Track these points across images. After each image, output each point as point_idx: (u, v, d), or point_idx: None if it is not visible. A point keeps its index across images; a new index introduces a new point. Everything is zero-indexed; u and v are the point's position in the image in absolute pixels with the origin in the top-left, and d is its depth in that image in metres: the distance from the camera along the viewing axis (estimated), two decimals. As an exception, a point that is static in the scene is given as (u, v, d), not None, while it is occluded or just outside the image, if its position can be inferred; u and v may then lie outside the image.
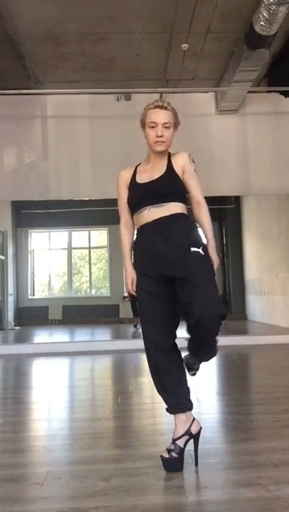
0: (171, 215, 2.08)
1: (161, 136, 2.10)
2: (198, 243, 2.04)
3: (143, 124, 2.18)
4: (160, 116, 2.11)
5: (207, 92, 7.20)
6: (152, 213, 2.10)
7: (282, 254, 8.98)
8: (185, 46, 6.02)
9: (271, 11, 4.79)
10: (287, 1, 4.65)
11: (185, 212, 2.13)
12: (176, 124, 2.17)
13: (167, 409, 2.12)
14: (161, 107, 2.12)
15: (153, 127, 2.12)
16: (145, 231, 2.12)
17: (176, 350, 2.13)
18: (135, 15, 5.43)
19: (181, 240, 2.03)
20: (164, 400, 2.13)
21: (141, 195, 2.13)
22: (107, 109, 7.08)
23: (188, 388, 2.13)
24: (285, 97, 7.20)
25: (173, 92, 7.12)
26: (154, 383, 2.14)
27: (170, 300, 2.06)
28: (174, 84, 6.98)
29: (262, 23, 5.00)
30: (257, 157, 7.18)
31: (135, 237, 2.21)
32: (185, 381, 2.13)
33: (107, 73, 6.70)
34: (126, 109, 7.08)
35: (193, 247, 2.00)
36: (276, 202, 9.13)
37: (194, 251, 1.99)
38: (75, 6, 5.20)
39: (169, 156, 2.18)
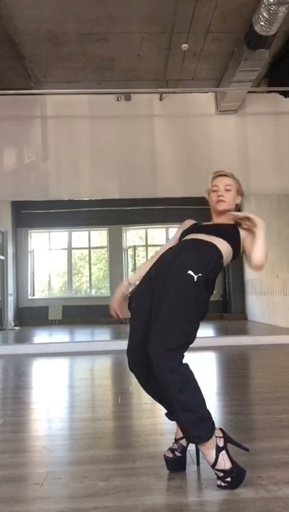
0: None
1: (222, 196, 2.18)
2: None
3: (208, 193, 2.27)
4: (221, 181, 2.23)
5: (207, 92, 7.21)
6: None
7: (282, 254, 8.98)
8: (185, 46, 6.02)
9: (271, 11, 4.80)
10: (287, 1, 4.65)
11: None
12: (239, 190, 2.24)
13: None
14: (224, 175, 2.25)
15: (215, 190, 2.22)
16: None
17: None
18: (135, 15, 5.43)
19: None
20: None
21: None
22: (107, 109, 7.08)
23: None
24: (285, 97, 7.20)
25: (173, 92, 7.13)
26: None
27: None
28: (173, 84, 6.98)
29: (262, 23, 5.01)
30: (257, 157, 7.18)
31: None
32: None
33: (107, 73, 6.70)
34: (126, 109, 7.09)
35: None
36: (276, 202, 9.13)
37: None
38: (75, 6, 5.20)
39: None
